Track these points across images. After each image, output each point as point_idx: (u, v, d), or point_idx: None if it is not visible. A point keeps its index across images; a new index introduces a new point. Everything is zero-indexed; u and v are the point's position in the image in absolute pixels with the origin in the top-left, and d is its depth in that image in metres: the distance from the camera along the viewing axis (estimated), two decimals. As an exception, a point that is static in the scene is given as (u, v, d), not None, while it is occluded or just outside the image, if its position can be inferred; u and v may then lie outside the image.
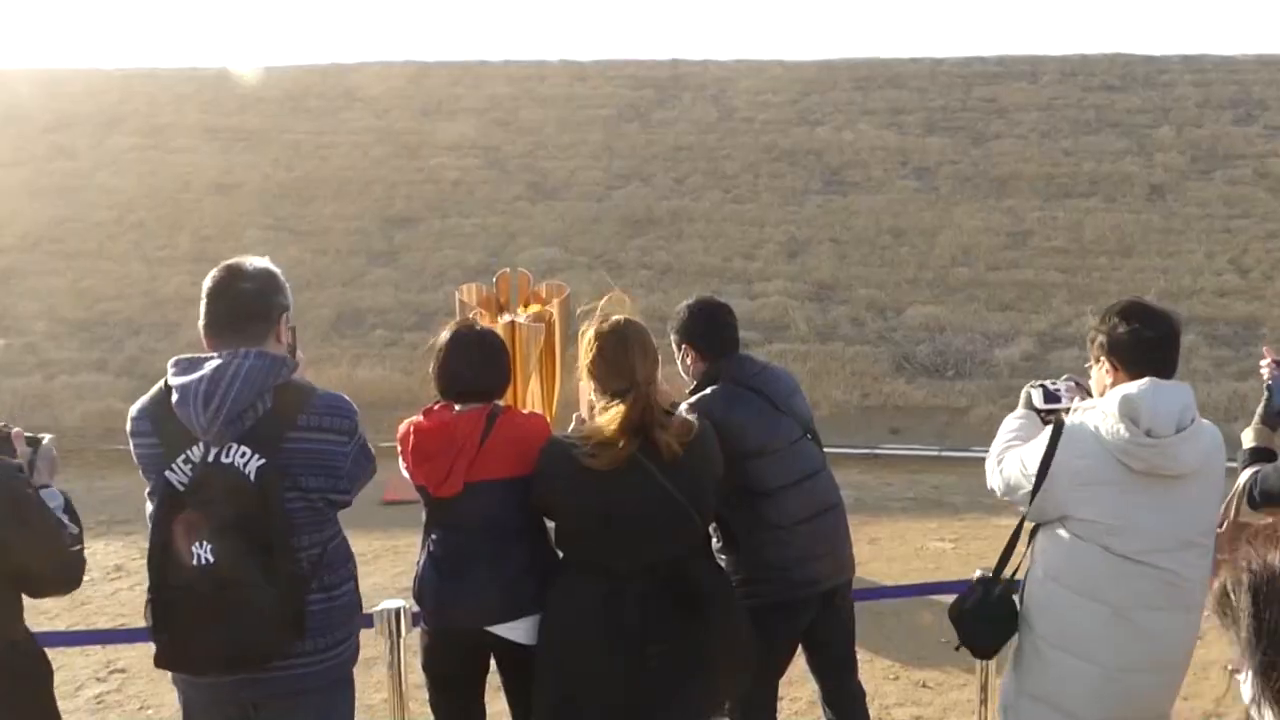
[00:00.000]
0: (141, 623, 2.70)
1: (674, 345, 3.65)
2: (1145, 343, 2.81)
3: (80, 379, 14.20)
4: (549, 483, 3.06)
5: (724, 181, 20.16)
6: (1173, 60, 24.37)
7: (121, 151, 21.80)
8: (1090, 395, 3.07)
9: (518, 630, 3.14)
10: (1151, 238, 17.57)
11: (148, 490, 2.67)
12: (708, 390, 3.48)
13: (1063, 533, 2.85)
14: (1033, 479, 2.85)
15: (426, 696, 3.45)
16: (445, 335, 3.32)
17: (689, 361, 3.64)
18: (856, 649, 3.84)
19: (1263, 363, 3.43)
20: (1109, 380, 2.90)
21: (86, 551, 3.04)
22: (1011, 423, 3.16)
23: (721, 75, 24.84)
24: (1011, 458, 2.98)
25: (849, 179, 20.16)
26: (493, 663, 3.32)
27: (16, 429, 2.93)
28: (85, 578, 3.07)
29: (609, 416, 2.98)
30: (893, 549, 7.64)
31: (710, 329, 3.61)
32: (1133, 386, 2.76)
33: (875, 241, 17.84)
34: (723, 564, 3.41)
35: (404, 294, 16.78)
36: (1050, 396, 3.12)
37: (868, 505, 8.91)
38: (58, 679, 3.42)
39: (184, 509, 2.53)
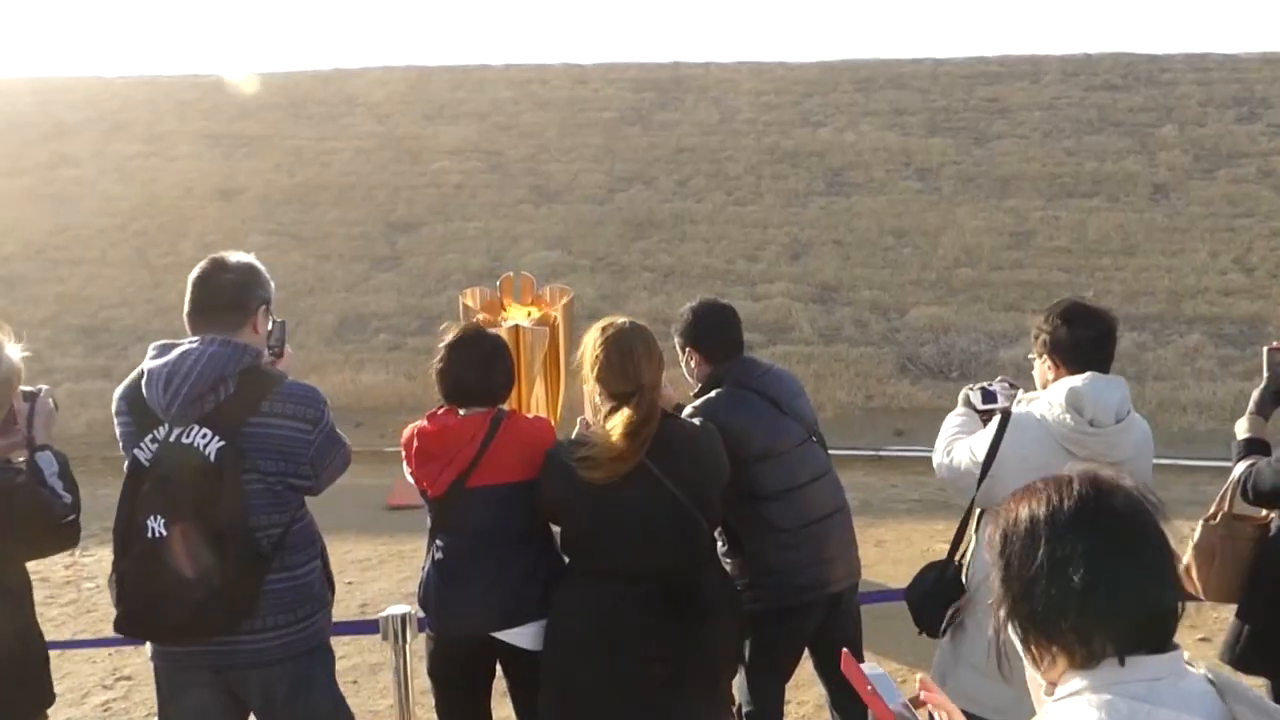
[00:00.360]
0: None
1: (678, 348, 3.63)
2: (1085, 341, 3.02)
3: (84, 386, 14.20)
4: (554, 488, 3.04)
5: (726, 183, 20.16)
6: (1176, 59, 24.36)
7: (123, 159, 21.84)
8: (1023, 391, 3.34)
9: (523, 636, 3.12)
10: (1155, 237, 17.54)
11: (125, 465, 2.80)
12: (712, 393, 3.46)
13: None
14: (980, 465, 3.06)
15: (432, 702, 3.43)
16: (446, 341, 3.31)
17: (693, 364, 3.62)
18: (864, 652, 3.83)
19: (1265, 347, 3.42)
20: (1051, 375, 3.11)
21: (90, 558, 3.20)
22: (954, 419, 3.42)
23: (723, 77, 24.85)
24: (960, 447, 3.21)
25: (851, 180, 20.15)
26: (499, 668, 3.31)
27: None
28: (90, 585, 3.24)
29: (614, 423, 2.96)
30: (899, 551, 7.61)
31: (714, 332, 3.59)
32: (1077, 380, 2.96)
33: (878, 243, 17.83)
34: (728, 568, 3.39)
35: (407, 298, 16.78)
36: (988, 397, 3.36)
37: (873, 507, 8.88)
38: (64, 687, 3.41)
39: (144, 483, 2.66)
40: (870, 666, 1.82)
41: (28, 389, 3.04)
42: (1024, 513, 1.53)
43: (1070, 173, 19.74)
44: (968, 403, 3.43)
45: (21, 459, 2.97)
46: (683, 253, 17.81)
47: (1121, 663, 1.43)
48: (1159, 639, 1.45)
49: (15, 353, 2.99)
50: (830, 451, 3.73)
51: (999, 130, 21.43)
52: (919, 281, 16.33)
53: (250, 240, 17.87)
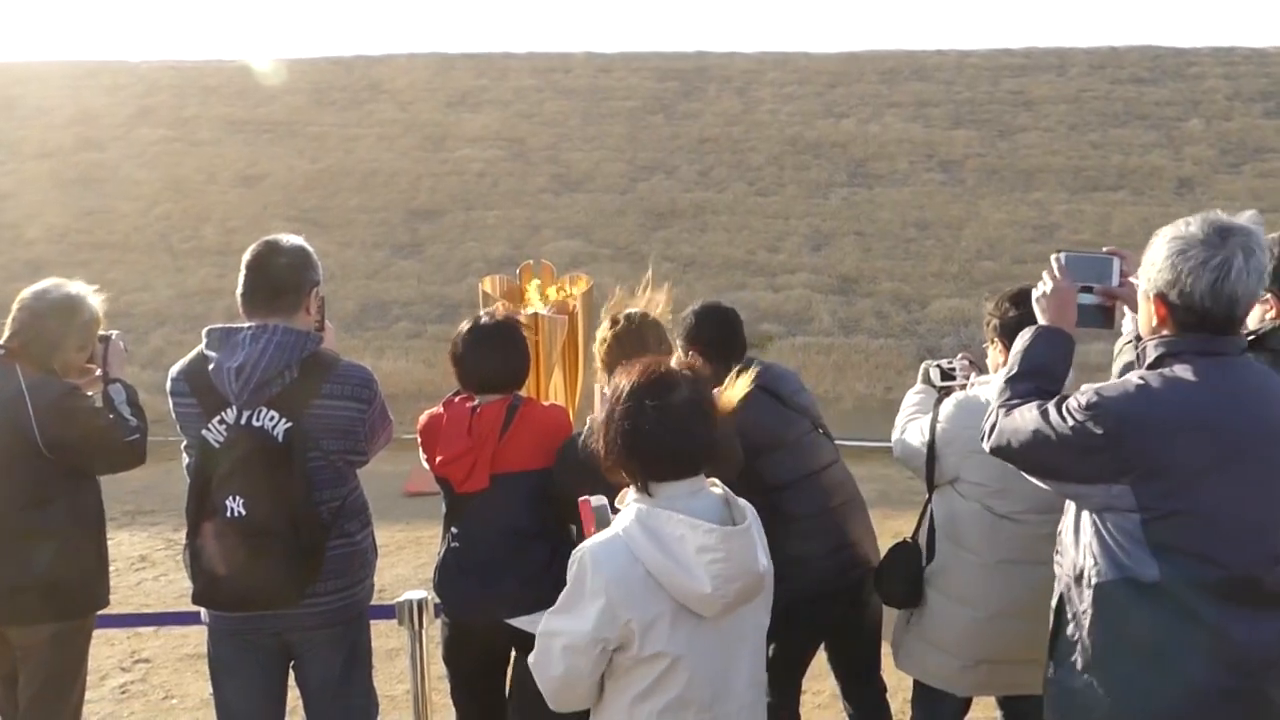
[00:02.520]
0: (167, 609, 2.96)
1: (681, 351, 3.63)
2: (1031, 324, 2.94)
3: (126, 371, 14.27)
4: (569, 478, 3.04)
5: (748, 174, 20.10)
6: (1202, 52, 24.13)
7: (147, 144, 21.93)
8: (983, 370, 3.49)
9: (537, 623, 3.12)
10: (1180, 231, 17.39)
11: (184, 445, 2.95)
12: (715, 391, 3.47)
13: (953, 493, 3.22)
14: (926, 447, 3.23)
15: (448, 688, 3.44)
16: (463, 327, 3.32)
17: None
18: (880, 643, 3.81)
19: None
20: (1001, 359, 3.17)
21: (111, 542, 3.63)
22: (912, 398, 3.55)
23: (746, 67, 24.76)
24: (913, 428, 3.35)
25: (874, 172, 20.06)
26: (514, 655, 3.31)
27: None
28: (110, 568, 3.49)
29: None
30: (917, 543, 7.58)
31: (717, 335, 3.59)
32: None
33: (900, 234, 17.75)
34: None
35: (428, 286, 16.80)
36: (946, 374, 3.50)
37: (891, 499, 8.85)
38: None
39: (218, 465, 2.82)
40: (596, 498, 2.36)
41: (102, 333, 3.51)
42: (617, 381, 2.31)
43: (1095, 166, 19.60)
44: (927, 379, 3.57)
45: (94, 393, 3.46)
46: (704, 243, 17.77)
47: (651, 487, 2.23)
48: (683, 472, 2.23)
49: (95, 300, 3.48)
50: (849, 443, 3.73)
51: (1023, 123, 21.28)
52: (940, 274, 16.24)
53: (272, 226, 17.89)
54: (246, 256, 3.01)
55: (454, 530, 3.23)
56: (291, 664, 3.11)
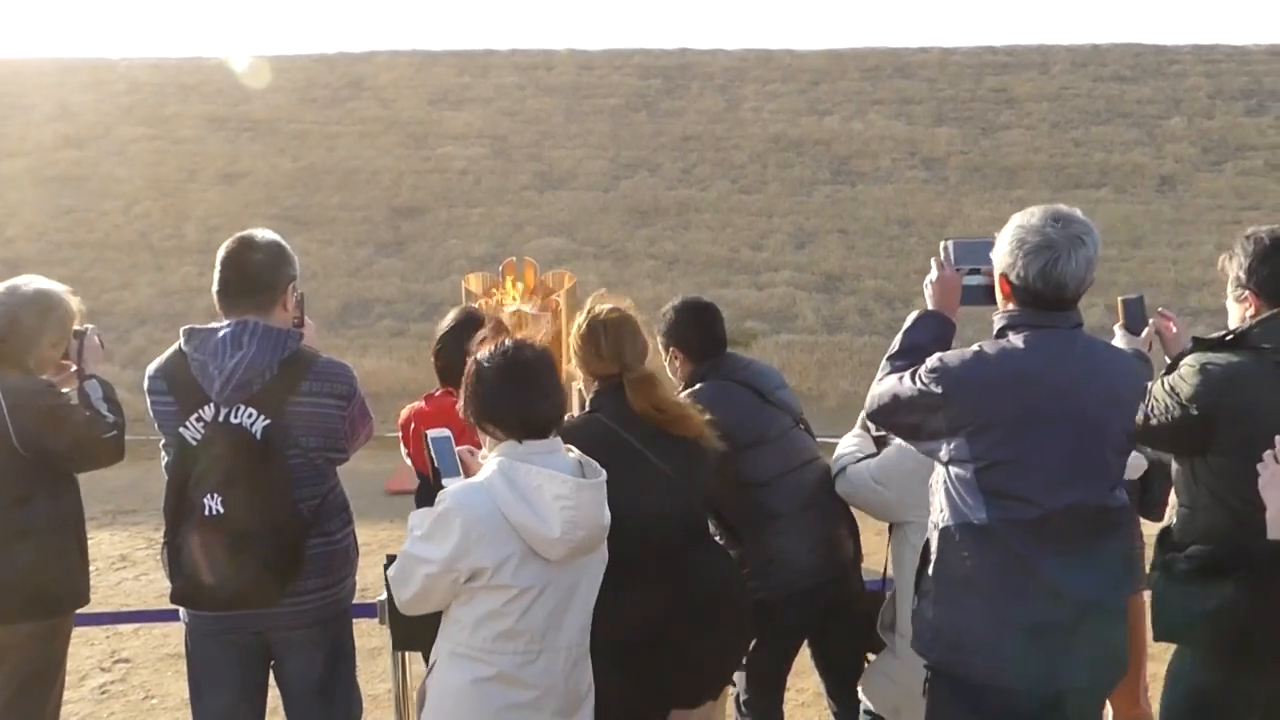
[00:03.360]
0: (146, 608, 2.92)
1: (660, 348, 3.61)
2: None
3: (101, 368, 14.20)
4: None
5: (731, 171, 20.10)
6: (1184, 50, 24.24)
7: (127, 141, 21.80)
8: None
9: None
10: (1162, 229, 17.49)
11: (162, 443, 2.92)
12: (697, 386, 3.46)
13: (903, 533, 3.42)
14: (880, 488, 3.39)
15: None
16: (446, 323, 3.30)
17: (676, 364, 3.62)
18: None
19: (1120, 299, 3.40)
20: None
21: (91, 541, 3.56)
22: (850, 442, 3.63)
23: (729, 65, 24.76)
24: (857, 471, 3.46)
25: (857, 169, 20.09)
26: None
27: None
28: (90, 567, 3.47)
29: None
30: (900, 540, 7.59)
31: (697, 331, 3.58)
32: None
33: (883, 232, 17.78)
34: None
35: (410, 284, 16.76)
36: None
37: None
38: None
39: (196, 463, 2.79)
40: (437, 431, 2.66)
41: (76, 328, 3.45)
42: (478, 353, 2.61)
43: (1077, 164, 19.67)
44: (865, 426, 3.58)
45: (69, 389, 3.41)
46: (687, 240, 17.77)
47: (519, 441, 2.51)
48: (538, 432, 2.53)
49: (70, 298, 3.43)
50: (832, 440, 3.72)
51: (1006, 120, 21.35)
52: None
53: (253, 224, 17.68)
54: (221, 253, 2.98)
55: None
56: (272, 663, 3.08)
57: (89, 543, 3.59)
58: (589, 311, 3.15)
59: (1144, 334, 3.26)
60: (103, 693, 5.34)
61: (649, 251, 17.45)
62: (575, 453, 2.61)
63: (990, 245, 2.89)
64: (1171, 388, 2.83)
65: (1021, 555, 2.48)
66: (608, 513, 2.56)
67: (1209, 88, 22.17)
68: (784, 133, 21.28)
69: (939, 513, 2.63)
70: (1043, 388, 2.51)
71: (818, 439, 3.75)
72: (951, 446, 2.54)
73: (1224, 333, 2.88)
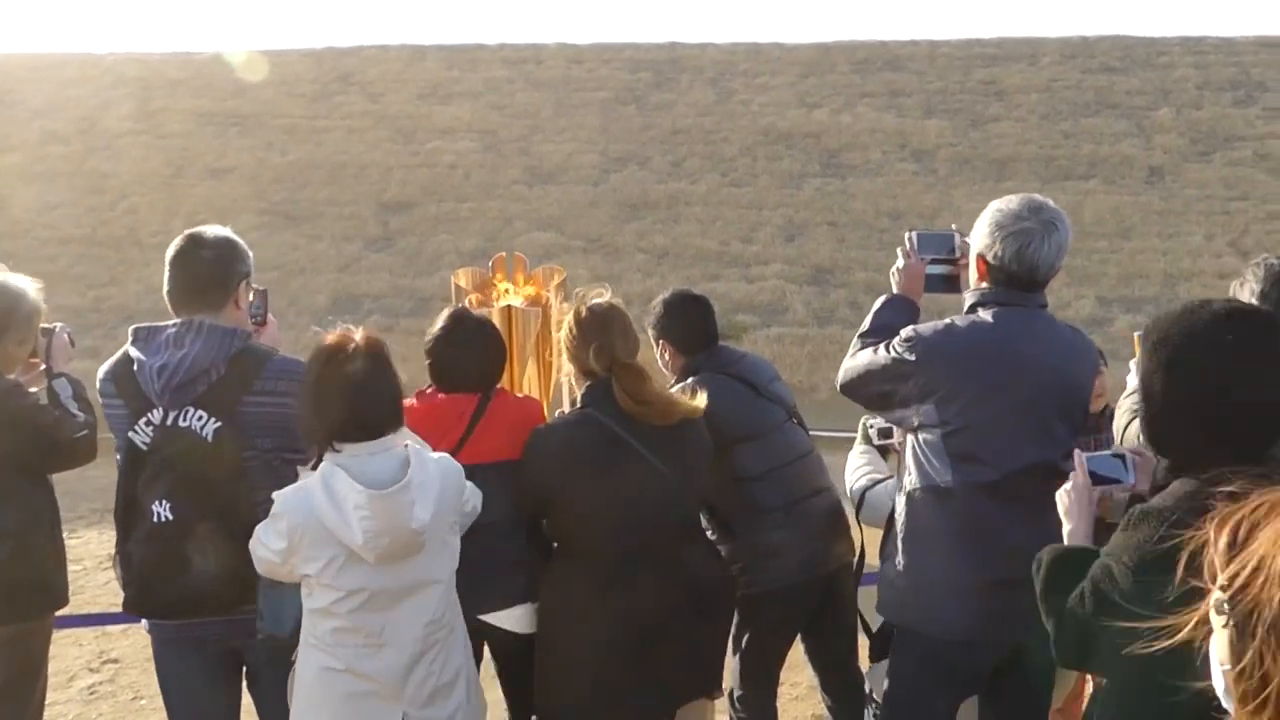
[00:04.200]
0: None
1: (651, 341, 3.58)
2: None
3: (73, 365, 14.13)
4: (538, 468, 3.01)
5: (721, 165, 20.07)
6: (1172, 42, 24.26)
7: (114, 136, 21.69)
8: None
9: (511, 619, 3.08)
10: (1150, 220, 17.51)
11: (115, 446, 2.84)
12: (689, 380, 3.43)
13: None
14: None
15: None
16: (439, 324, 3.27)
17: (667, 357, 3.59)
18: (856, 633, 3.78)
19: None
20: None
21: (78, 540, 3.39)
22: (859, 459, 3.63)
23: (719, 58, 24.72)
24: (877, 493, 3.42)
25: (847, 162, 20.08)
26: (486, 651, 3.26)
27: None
28: (77, 567, 3.33)
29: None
30: (892, 534, 7.58)
31: (687, 324, 3.55)
32: None
33: (873, 224, 17.78)
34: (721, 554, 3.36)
35: (400, 279, 16.70)
36: (884, 433, 3.59)
37: (867, 490, 8.85)
38: (50, 670, 3.48)
39: (145, 467, 2.71)
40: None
41: (45, 325, 3.39)
42: (311, 356, 2.58)
43: (1067, 155, 19.68)
44: (866, 438, 3.64)
45: (37, 388, 3.34)
46: (677, 234, 17.74)
47: (338, 445, 2.51)
48: (365, 435, 2.52)
49: (36, 293, 3.34)
50: (824, 434, 3.70)
51: (995, 112, 21.35)
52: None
53: (241, 219, 17.75)
54: (170, 251, 2.89)
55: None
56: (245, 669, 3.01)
57: (77, 542, 3.53)
58: (578, 305, 3.12)
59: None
60: (91, 693, 5.30)
61: (639, 245, 17.42)
62: (407, 450, 2.61)
63: (950, 237, 3.15)
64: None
65: (981, 514, 2.68)
66: (420, 515, 2.53)
67: (1197, 79, 22.20)
68: (774, 125, 21.26)
69: (907, 477, 2.82)
70: (1006, 359, 2.71)
71: (810, 432, 3.73)
72: (921, 412, 2.75)
73: None
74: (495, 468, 3.07)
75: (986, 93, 22.27)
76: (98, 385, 2.87)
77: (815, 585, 3.48)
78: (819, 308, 15.47)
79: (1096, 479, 2.43)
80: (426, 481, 2.58)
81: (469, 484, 2.80)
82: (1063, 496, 2.40)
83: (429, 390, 3.23)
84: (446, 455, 2.77)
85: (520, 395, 3.58)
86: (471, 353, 3.19)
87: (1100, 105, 21.38)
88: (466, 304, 4.67)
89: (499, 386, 3.28)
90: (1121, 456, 2.64)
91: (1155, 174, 19.09)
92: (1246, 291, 2.90)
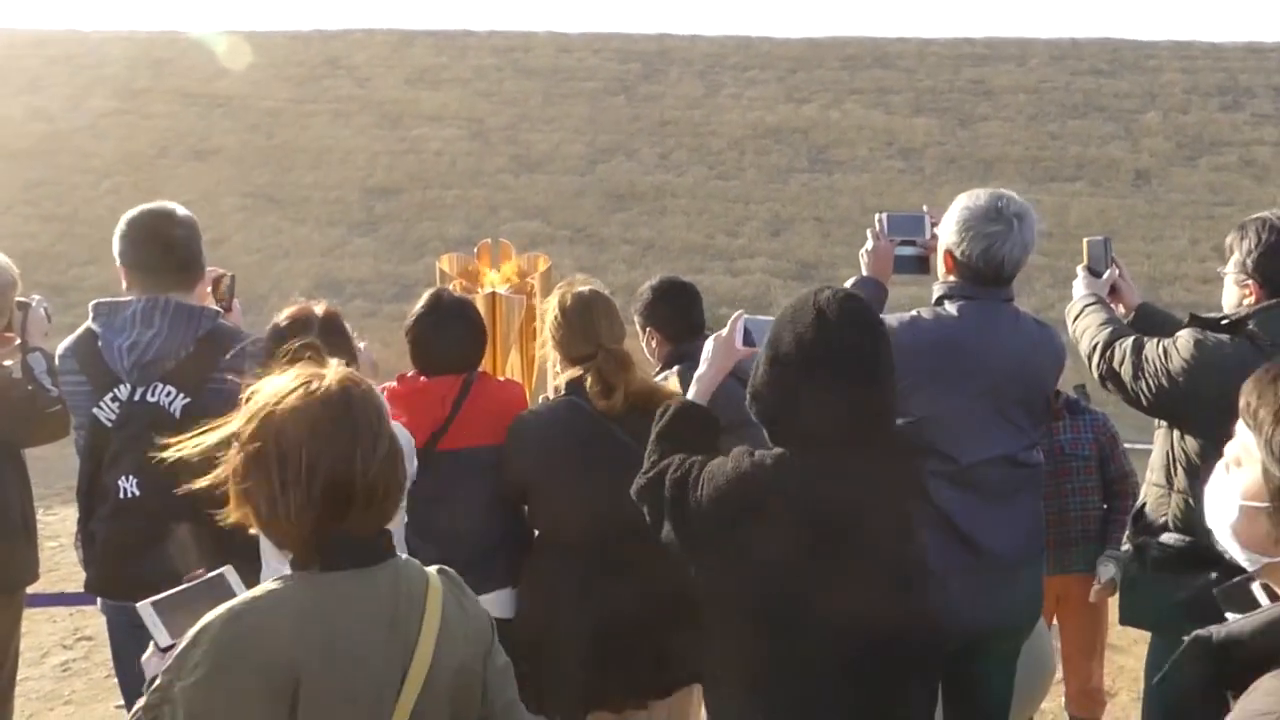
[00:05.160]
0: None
1: (638, 328, 3.57)
2: None
3: (53, 343, 14.03)
4: (520, 455, 2.99)
5: (709, 158, 20.05)
6: (1161, 46, 24.32)
7: (98, 115, 21.52)
8: None
9: (489, 603, 3.06)
10: (1136, 223, 17.57)
11: (74, 424, 2.83)
12: (675, 369, 3.42)
13: None
14: None
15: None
16: (419, 304, 3.25)
17: (653, 345, 3.57)
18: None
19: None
20: None
21: (54, 516, 3.42)
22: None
23: (709, 51, 24.67)
24: None
25: (834, 158, 20.08)
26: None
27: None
28: (54, 544, 3.37)
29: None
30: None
31: (675, 311, 3.53)
32: None
33: (859, 221, 17.74)
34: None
35: (383, 265, 16.64)
36: None
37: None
38: (23, 646, 3.45)
39: (110, 444, 2.69)
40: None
41: (21, 299, 3.40)
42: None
43: (1053, 157, 19.73)
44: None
45: (11, 362, 3.35)
46: (663, 226, 17.72)
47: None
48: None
49: (11, 268, 3.38)
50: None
51: (983, 112, 21.38)
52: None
53: (225, 202, 17.68)
54: (136, 223, 2.84)
55: (404, 506, 3.16)
56: None
57: (53, 519, 3.53)
58: (562, 291, 3.10)
59: (1105, 275, 3.33)
60: (64, 670, 5.27)
61: (624, 236, 17.39)
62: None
63: (920, 219, 3.28)
64: (1165, 352, 2.83)
65: (945, 506, 2.71)
66: None
67: (1185, 83, 22.26)
68: (761, 120, 21.24)
69: None
70: (970, 352, 2.77)
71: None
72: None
73: (1221, 316, 2.89)
74: (478, 452, 3.05)
75: (975, 92, 22.30)
76: (57, 361, 2.86)
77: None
78: (803, 303, 15.49)
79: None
80: None
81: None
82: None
83: (411, 374, 3.21)
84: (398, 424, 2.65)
85: (503, 378, 3.55)
86: (451, 331, 3.17)
87: (1088, 107, 21.43)
88: (450, 289, 4.65)
89: (481, 370, 3.27)
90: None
91: (1141, 177, 19.15)
92: (1244, 247, 2.89)
